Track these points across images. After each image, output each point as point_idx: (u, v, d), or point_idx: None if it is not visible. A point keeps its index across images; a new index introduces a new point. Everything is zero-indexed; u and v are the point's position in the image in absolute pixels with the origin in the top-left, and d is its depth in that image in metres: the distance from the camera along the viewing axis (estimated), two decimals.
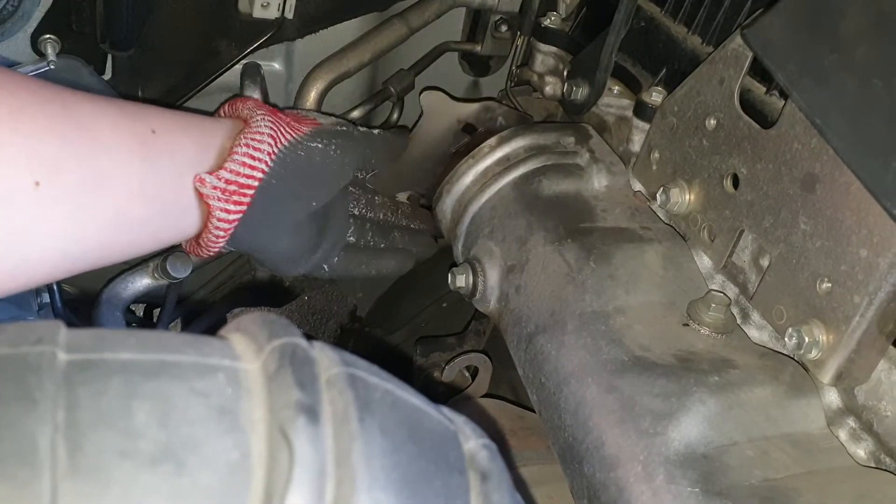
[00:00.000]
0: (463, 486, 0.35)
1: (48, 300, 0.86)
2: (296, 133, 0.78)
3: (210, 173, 0.72)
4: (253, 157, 0.74)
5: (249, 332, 0.36)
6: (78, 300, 0.97)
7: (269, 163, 0.74)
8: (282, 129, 0.77)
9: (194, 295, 1.13)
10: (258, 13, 0.97)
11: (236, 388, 0.33)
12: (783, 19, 0.60)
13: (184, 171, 0.71)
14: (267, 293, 1.11)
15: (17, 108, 0.57)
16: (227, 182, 0.72)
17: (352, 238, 0.88)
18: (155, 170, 0.68)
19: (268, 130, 0.75)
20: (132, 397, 0.32)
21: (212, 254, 0.78)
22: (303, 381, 0.33)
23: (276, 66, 1.04)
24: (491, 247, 0.82)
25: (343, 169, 0.82)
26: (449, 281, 0.82)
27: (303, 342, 0.36)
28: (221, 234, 0.74)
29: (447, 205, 0.89)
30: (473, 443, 0.38)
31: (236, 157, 0.73)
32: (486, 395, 0.99)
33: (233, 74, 0.97)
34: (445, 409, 0.39)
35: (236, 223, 0.74)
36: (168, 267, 0.83)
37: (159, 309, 0.96)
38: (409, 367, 1.03)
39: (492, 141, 0.87)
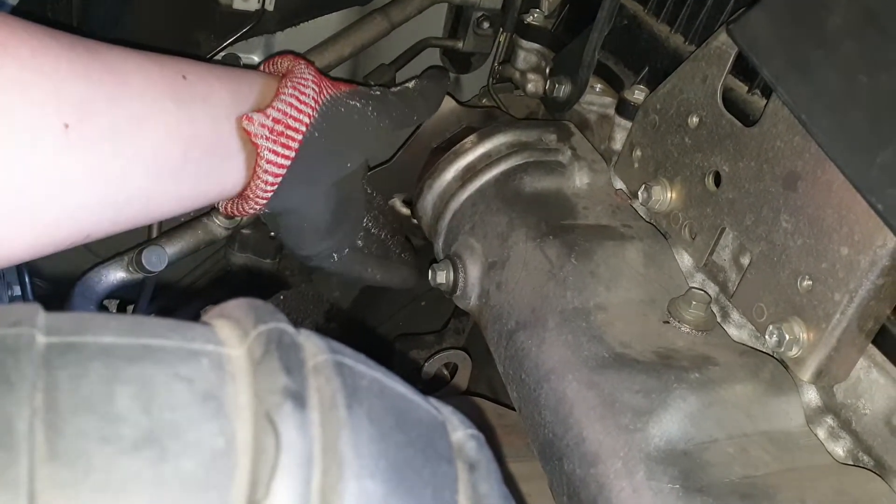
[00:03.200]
0: (451, 476, 0.35)
1: (20, 293, 0.85)
2: (336, 89, 0.78)
3: (258, 111, 0.70)
4: (299, 101, 0.73)
5: (234, 317, 0.36)
6: (50, 294, 0.95)
7: (315, 108, 0.74)
8: (324, 81, 0.77)
9: (169, 290, 1.11)
10: (238, 5, 0.96)
11: (221, 373, 0.33)
12: (768, 15, 0.60)
13: (219, 116, 0.69)
14: (241, 292, 1.10)
15: (40, 49, 0.54)
16: (275, 121, 0.71)
17: (360, 242, 0.87)
18: (189, 113, 0.66)
19: (312, 78, 0.75)
20: (114, 381, 0.31)
21: (257, 209, 0.76)
22: (289, 366, 0.33)
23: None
24: (472, 243, 0.81)
25: (378, 131, 0.81)
26: (429, 277, 0.82)
27: (289, 328, 0.35)
28: (271, 179, 0.72)
29: (428, 201, 0.88)
30: (461, 433, 0.37)
31: (283, 97, 0.72)
32: (464, 393, 0.98)
33: None
34: (433, 400, 0.39)
35: (285, 171, 0.73)
36: (143, 260, 0.81)
37: (133, 306, 0.94)
38: (387, 365, 1.02)
39: (473, 137, 0.87)
